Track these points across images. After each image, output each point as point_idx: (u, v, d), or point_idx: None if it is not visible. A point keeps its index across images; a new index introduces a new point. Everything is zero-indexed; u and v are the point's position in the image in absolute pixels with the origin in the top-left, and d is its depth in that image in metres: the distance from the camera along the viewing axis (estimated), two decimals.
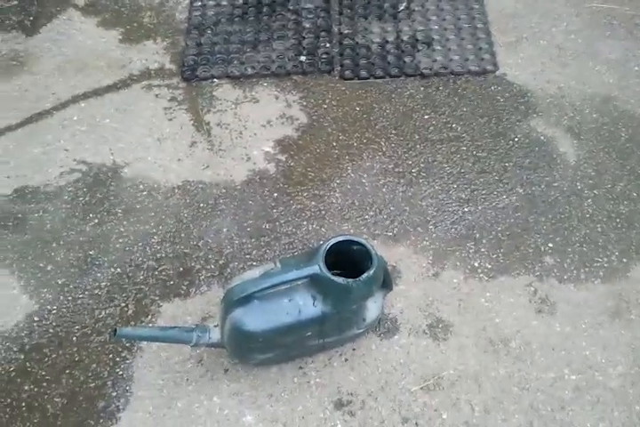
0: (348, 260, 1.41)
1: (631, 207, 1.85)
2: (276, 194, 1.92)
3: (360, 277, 1.32)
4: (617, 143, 2.00)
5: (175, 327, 1.45)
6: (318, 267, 1.32)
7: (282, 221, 1.86)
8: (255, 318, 1.37)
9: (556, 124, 2.05)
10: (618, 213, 1.85)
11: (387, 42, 2.30)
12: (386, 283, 1.48)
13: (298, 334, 1.43)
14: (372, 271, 1.33)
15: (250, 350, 1.46)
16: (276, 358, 1.53)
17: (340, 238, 1.36)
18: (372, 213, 1.87)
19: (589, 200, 1.88)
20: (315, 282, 1.35)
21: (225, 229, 1.85)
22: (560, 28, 2.30)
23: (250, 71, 2.23)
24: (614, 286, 1.71)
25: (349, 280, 1.31)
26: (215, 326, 1.44)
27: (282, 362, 1.58)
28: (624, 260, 1.76)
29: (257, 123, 2.10)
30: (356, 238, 1.37)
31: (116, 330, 1.30)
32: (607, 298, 1.70)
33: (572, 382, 1.56)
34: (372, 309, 1.49)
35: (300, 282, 1.36)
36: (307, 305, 1.37)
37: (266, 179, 1.96)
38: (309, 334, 1.43)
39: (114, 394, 1.55)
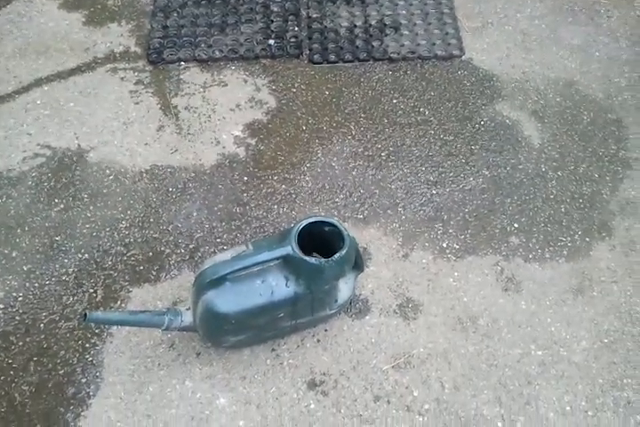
0: (320, 241, 1.42)
1: (593, 188, 1.91)
2: (246, 178, 1.91)
3: (332, 257, 1.33)
4: (579, 126, 2.05)
5: (146, 311, 1.44)
6: (291, 247, 1.32)
7: (252, 205, 1.85)
8: (227, 300, 1.37)
9: (521, 107, 2.09)
10: (581, 193, 1.90)
11: (355, 26, 2.30)
12: (357, 264, 1.50)
13: (270, 315, 1.43)
14: (344, 251, 1.34)
15: (222, 332, 1.46)
16: (249, 340, 1.54)
17: (312, 219, 1.37)
18: (342, 197, 1.88)
19: (553, 182, 1.93)
20: (287, 263, 1.36)
21: (195, 214, 1.83)
22: (524, 14, 2.34)
23: (218, 55, 2.21)
24: (577, 265, 1.77)
25: (322, 260, 1.32)
26: (187, 310, 1.44)
27: (254, 344, 1.58)
28: (587, 239, 1.81)
29: (226, 107, 2.08)
30: (328, 219, 1.38)
31: (86, 314, 1.28)
32: (571, 276, 1.75)
33: (537, 358, 1.61)
34: (344, 290, 1.50)
35: (272, 263, 1.37)
36: (279, 286, 1.38)
37: (236, 163, 1.95)
38: (282, 315, 1.43)
39: (84, 380, 1.53)
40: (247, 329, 1.46)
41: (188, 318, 1.42)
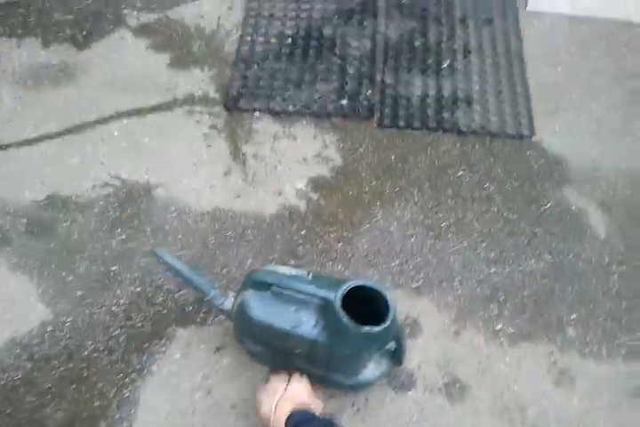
0: (377, 308, 1.38)
1: None
2: (303, 231, 1.91)
3: (363, 327, 1.27)
4: None
5: (204, 277, 1.49)
6: (335, 295, 1.29)
7: (306, 259, 1.84)
8: (260, 307, 1.38)
9: (589, 196, 2.07)
10: None
11: (427, 96, 2.34)
12: (396, 355, 1.45)
13: (287, 345, 1.40)
14: (376, 329, 1.26)
15: (245, 332, 1.47)
16: (266, 358, 1.52)
17: (370, 284, 1.33)
18: (397, 262, 1.86)
19: (616, 275, 1.87)
20: (326, 308, 1.33)
21: (249, 260, 1.83)
22: (600, 103, 2.35)
23: (291, 108, 2.27)
24: (636, 367, 1.68)
25: (351, 321, 1.27)
26: (232, 297, 1.46)
27: (275, 367, 1.53)
28: None
29: (292, 159, 2.11)
30: (384, 294, 1.31)
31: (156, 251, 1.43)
32: (628, 378, 1.66)
33: None
34: (371, 369, 1.45)
35: (315, 300, 1.35)
36: (307, 323, 1.36)
37: (295, 215, 1.95)
38: (298, 351, 1.40)
39: (117, 416, 1.50)
40: (265, 344, 1.46)
41: (228, 303, 1.46)
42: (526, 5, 2.63)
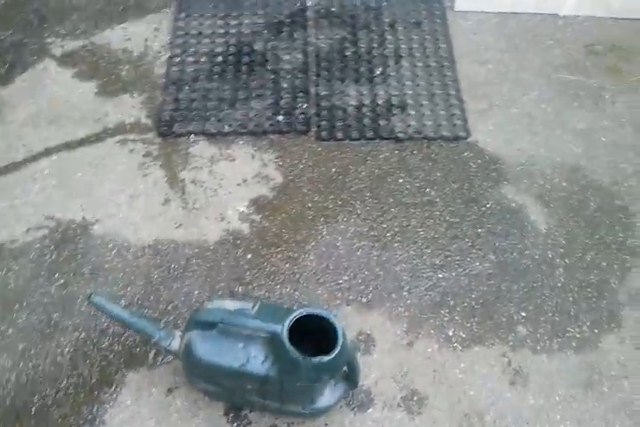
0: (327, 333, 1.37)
1: (601, 277, 1.89)
2: (249, 255, 1.89)
3: (312, 358, 1.25)
4: (586, 212, 2.05)
5: (146, 318, 1.46)
6: (281, 328, 1.28)
7: (255, 285, 1.83)
8: (206, 347, 1.36)
9: (527, 191, 2.10)
10: (588, 282, 1.87)
11: (363, 105, 2.34)
12: (351, 378, 1.45)
13: (238, 382, 1.39)
14: (325, 359, 1.25)
15: (194, 374, 1.44)
16: (222, 396, 1.50)
17: (314, 312, 1.32)
18: (346, 278, 1.85)
19: (560, 269, 1.91)
20: (274, 341, 1.31)
21: (196, 292, 1.80)
22: (530, 97, 2.38)
23: (227, 129, 2.24)
24: (586, 358, 1.72)
25: (299, 355, 1.25)
26: (180, 336, 1.42)
27: (234, 403, 1.51)
28: (595, 330, 1.78)
29: (232, 181, 2.09)
30: (332, 321, 1.29)
31: (91, 294, 1.34)
32: (579, 370, 1.70)
33: None
34: (327, 396, 1.44)
35: (262, 334, 1.33)
36: (256, 359, 1.34)
37: (240, 239, 1.93)
38: (250, 387, 1.39)
39: None
40: (216, 384, 1.43)
41: (175, 344, 1.42)
42: (453, 6, 2.66)
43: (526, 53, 2.50)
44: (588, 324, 1.79)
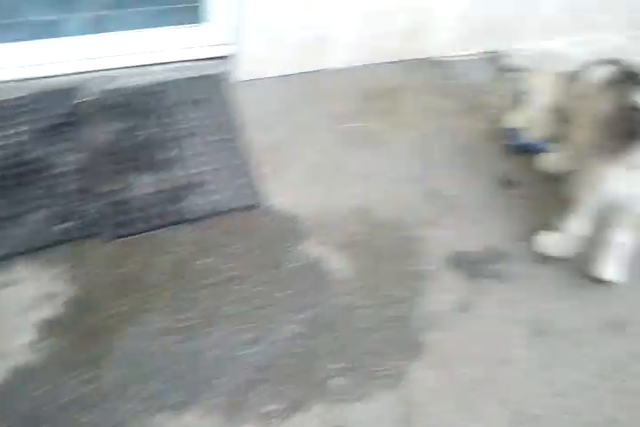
0: None
1: (399, 308, 2.00)
2: (47, 387, 1.77)
3: None
4: (380, 249, 2.17)
5: None
6: None
7: (50, 424, 1.70)
8: None
9: (326, 242, 2.20)
10: (389, 316, 1.98)
11: (153, 192, 2.32)
12: None
13: None
14: None
15: None
16: None
17: None
18: (153, 383, 1.80)
19: (365, 310, 2.00)
20: None
21: None
22: (317, 151, 2.52)
23: (4, 252, 2.08)
24: (401, 392, 1.79)
25: None
26: None
27: None
28: (404, 362, 1.86)
29: (17, 308, 1.94)
30: None
31: None
32: (397, 406, 1.76)
33: None
34: None
35: None
36: None
37: (31, 372, 1.80)
38: None
39: None
40: None
41: None
42: (236, 77, 2.78)
43: (310, 110, 2.66)
44: (398, 358, 1.87)
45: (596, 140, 1.90)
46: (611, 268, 2.06)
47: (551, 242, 2.13)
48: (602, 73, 1.96)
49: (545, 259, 2.16)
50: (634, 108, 1.77)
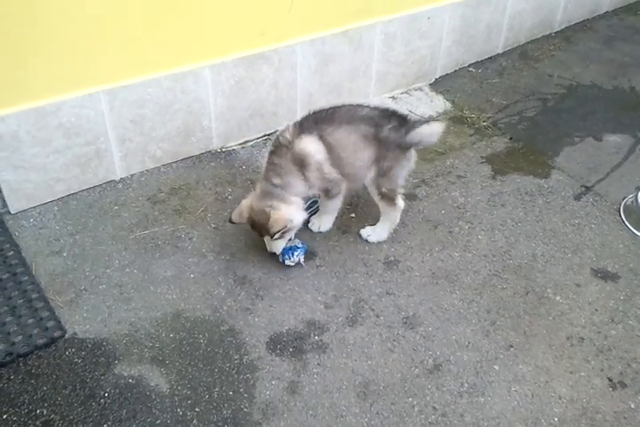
0: None
1: (233, 407, 1.94)
2: None
3: None
4: (199, 352, 2.12)
5: None
6: None
7: None
8: None
9: (140, 360, 2.09)
10: (224, 419, 1.91)
11: None
12: None
13: None
14: None
15: None
16: None
17: None
18: None
19: (195, 421, 1.90)
20: None
21: None
22: (115, 267, 2.44)
23: None
24: None
25: None
26: None
27: None
28: None
29: None
30: None
31: None
32: None
33: None
34: None
35: None
36: None
37: None
38: None
39: None
40: None
41: None
42: (9, 209, 2.64)
43: (97, 227, 2.60)
44: None
45: None
46: None
47: None
48: None
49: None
50: None
